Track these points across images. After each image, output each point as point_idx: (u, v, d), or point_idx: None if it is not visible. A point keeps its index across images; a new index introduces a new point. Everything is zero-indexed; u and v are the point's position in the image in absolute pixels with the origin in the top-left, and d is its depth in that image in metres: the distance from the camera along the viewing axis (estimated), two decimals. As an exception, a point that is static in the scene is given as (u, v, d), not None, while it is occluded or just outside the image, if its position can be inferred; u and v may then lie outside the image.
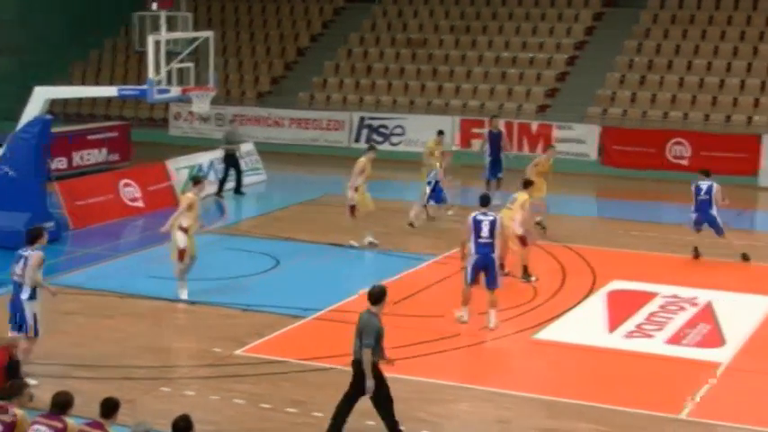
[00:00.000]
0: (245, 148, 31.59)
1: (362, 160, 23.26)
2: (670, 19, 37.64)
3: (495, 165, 28.04)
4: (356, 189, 23.14)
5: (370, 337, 13.28)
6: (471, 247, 17.85)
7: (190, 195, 19.66)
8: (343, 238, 23.86)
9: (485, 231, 17.71)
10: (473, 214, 17.97)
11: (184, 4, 29.55)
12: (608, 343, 17.74)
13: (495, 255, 17.87)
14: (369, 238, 23.47)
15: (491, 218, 17.86)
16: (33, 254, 15.37)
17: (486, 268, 17.82)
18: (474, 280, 17.96)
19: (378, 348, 13.39)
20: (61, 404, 11.04)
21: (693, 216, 22.71)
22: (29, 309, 15.38)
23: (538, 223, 23.84)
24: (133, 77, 39.94)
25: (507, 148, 28.94)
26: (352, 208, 23.33)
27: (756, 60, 35.08)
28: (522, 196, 20.76)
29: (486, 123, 34.29)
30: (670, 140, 32.67)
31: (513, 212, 20.52)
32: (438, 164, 25.84)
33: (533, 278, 20.83)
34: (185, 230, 19.23)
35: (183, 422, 10.71)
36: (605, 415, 14.70)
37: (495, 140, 28.19)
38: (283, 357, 16.82)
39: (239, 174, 30.35)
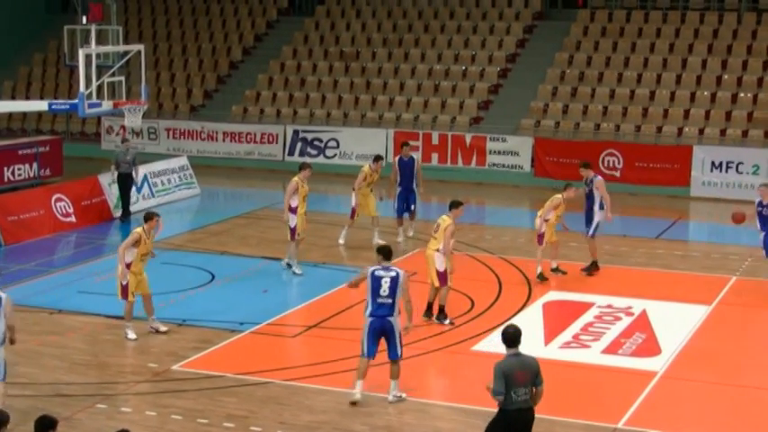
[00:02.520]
0: (170, 164, 31.27)
1: (295, 179, 22.41)
2: (600, 31, 38.02)
3: (407, 196, 25.09)
4: (295, 210, 22.24)
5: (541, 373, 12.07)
6: (368, 307, 15.21)
7: (138, 231, 18.49)
8: (278, 251, 23.76)
9: (384, 290, 14.99)
10: (372, 268, 15.36)
11: (115, 18, 29.35)
12: (545, 354, 17.75)
13: (395, 318, 15.17)
14: (287, 260, 22.77)
15: (393, 274, 15.09)
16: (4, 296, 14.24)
17: (385, 334, 15.21)
18: (373, 352, 15.31)
19: None
20: (-4, 422, 10.83)
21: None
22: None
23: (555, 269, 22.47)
24: (64, 91, 39.57)
25: (419, 184, 25.22)
26: (292, 231, 22.37)
27: (685, 72, 35.54)
28: (445, 221, 18.89)
29: (420, 137, 34.61)
30: (603, 152, 32.94)
31: (437, 242, 18.86)
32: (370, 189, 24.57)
33: (448, 321, 19.04)
34: (128, 266, 18.25)
35: (48, 420, 10.48)
36: (544, 425, 14.73)
37: (406, 169, 25.00)
38: (221, 372, 16.72)
39: (127, 198, 28.03)
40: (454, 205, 19.19)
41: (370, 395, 15.77)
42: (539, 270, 21.81)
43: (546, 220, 21.78)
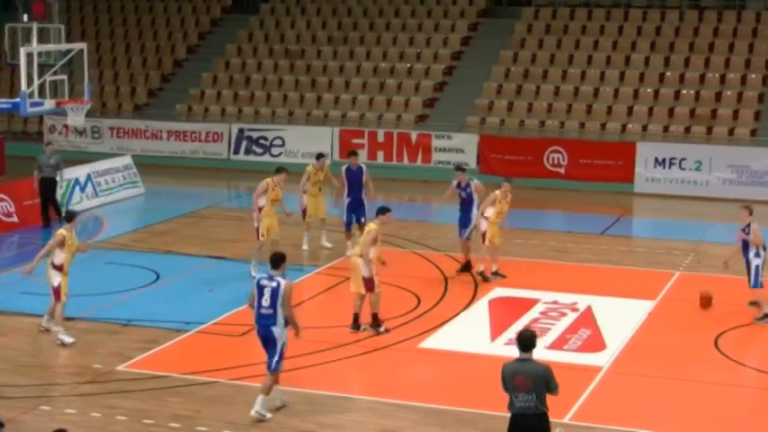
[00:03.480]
0: (114, 163, 31.01)
1: (267, 181, 21.95)
2: (544, 29, 38.21)
3: (356, 207, 23.61)
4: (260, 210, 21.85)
5: (555, 379, 11.95)
6: (254, 313, 14.97)
7: (62, 232, 18.11)
8: (224, 250, 23.65)
9: (266, 299, 14.72)
10: (258, 277, 15.17)
11: (57, 16, 29.04)
12: (491, 350, 17.87)
13: (278, 328, 14.76)
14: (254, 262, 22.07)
15: (274, 284, 14.72)
16: None
17: (266, 343, 14.91)
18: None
19: None
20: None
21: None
22: None
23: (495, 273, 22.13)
24: (5, 90, 39.08)
25: (370, 193, 23.85)
26: (257, 231, 22.00)
27: (628, 69, 35.80)
28: (370, 227, 18.48)
29: (366, 135, 34.61)
30: (547, 149, 33.11)
31: (360, 247, 18.42)
32: (318, 189, 24.11)
33: (382, 329, 18.53)
34: (59, 268, 18.01)
35: None
36: (490, 422, 14.79)
37: (354, 179, 23.70)
38: (167, 372, 16.61)
39: (49, 205, 26.92)
40: (381, 211, 18.68)
41: (319, 393, 15.75)
42: (481, 267, 21.82)
43: (486, 218, 21.71)
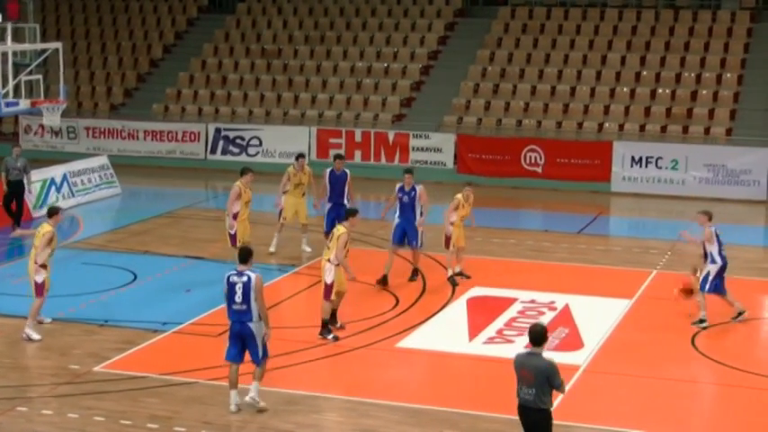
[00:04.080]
0: (91, 163, 30.87)
1: (238, 184, 21.77)
2: (521, 29, 38.27)
3: (338, 212, 22.30)
4: (236, 216, 21.67)
5: (559, 376, 12.01)
6: (228, 312, 14.98)
7: (48, 229, 18.22)
8: (201, 250, 23.60)
9: (239, 296, 14.70)
10: (228, 273, 15.02)
11: (32, 16, 28.96)
12: (470, 349, 17.90)
13: (254, 323, 14.78)
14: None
15: (245, 279, 14.71)
16: None
17: (244, 338, 14.92)
18: (233, 356, 15.03)
19: None
20: None
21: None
22: None
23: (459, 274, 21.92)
24: (-20, 90, 38.96)
25: (352, 196, 23.56)
26: (233, 237, 21.79)
27: (605, 69, 35.90)
28: (339, 230, 18.14)
29: (344, 134, 34.60)
30: (524, 148, 33.17)
31: (330, 251, 18.05)
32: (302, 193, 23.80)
33: (331, 336, 18.10)
34: (43, 266, 18.13)
35: None
36: (469, 421, 14.81)
37: (337, 183, 23.23)
38: (144, 372, 16.55)
39: (12, 208, 26.45)
40: (350, 213, 18.59)
41: (297, 393, 15.73)
42: (450, 272, 21.76)
43: (451, 223, 21.58)
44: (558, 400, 15.53)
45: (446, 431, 14.54)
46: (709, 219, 19.22)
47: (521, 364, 12.06)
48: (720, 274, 19.10)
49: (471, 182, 22.57)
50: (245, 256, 14.99)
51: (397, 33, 39.22)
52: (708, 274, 19.07)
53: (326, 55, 39.12)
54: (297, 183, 23.88)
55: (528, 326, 18.57)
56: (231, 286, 14.77)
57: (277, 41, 40.21)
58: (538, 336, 12.05)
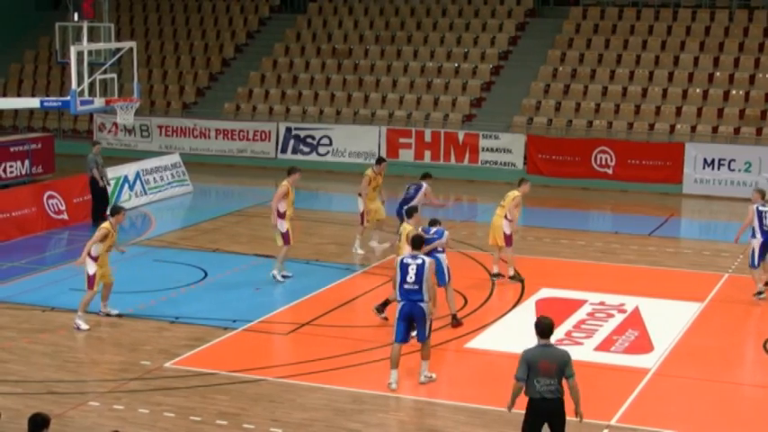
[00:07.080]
0: (163, 161, 31.18)
1: (285, 183, 21.61)
2: (592, 29, 38.04)
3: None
4: (284, 215, 21.51)
5: (572, 365, 12.27)
6: (398, 293, 15.92)
7: (106, 226, 18.76)
8: (270, 249, 23.71)
9: (411, 276, 15.69)
10: (401, 256, 16.27)
11: (107, 15, 29.26)
12: (538, 351, 17.79)
13: (425, 304, 15.75)
14: (275, 271, 21.85)
15: (419, 261, 15.79)
16: None
17: (414, 318, 15.84)
18: (404, 337, 15.93)
19: None
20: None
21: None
22: None
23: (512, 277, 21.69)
24: (56, 89, 39.55)
25: (438, 202, 24.38)
26: (285, 235, 21.60)
27: (677, 69, 35.56)
28: (406, 228, 18.53)
29: (413, 134, 34.62)
30: (595, 149, 32.97)
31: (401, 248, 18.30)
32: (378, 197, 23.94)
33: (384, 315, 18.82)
34: (95, 259, 18.55)
35: (41, 418, 10.64)
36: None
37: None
38: (214, 369, 16.68)
39: (97, 203, 27.07)
40: (413, 211, 19.28)
41: (365, 392, 15.77)
42: (511, 271, 21.63)
43: (510, 221, 21.45)
44: (626, 404, 15.46)
45: (513, 433, 14.50)
46: (762, 197, 20.44)
47: (537, 357, 12.20)
48: (763, 247, 20.25)
49: (525, 179, 22.26)
50: (417, 243, 16.28)
51: (468, 33, 39.16)
52: (753, 250, 20.34)
53: (397, 55, 39.16)
54: (375, 186, 23.99)
55: (596, 328, 18.68)
56: (404, 267, 15.82)
57: (348, 41, 40.33)
58: (548, 327, 12.31)
